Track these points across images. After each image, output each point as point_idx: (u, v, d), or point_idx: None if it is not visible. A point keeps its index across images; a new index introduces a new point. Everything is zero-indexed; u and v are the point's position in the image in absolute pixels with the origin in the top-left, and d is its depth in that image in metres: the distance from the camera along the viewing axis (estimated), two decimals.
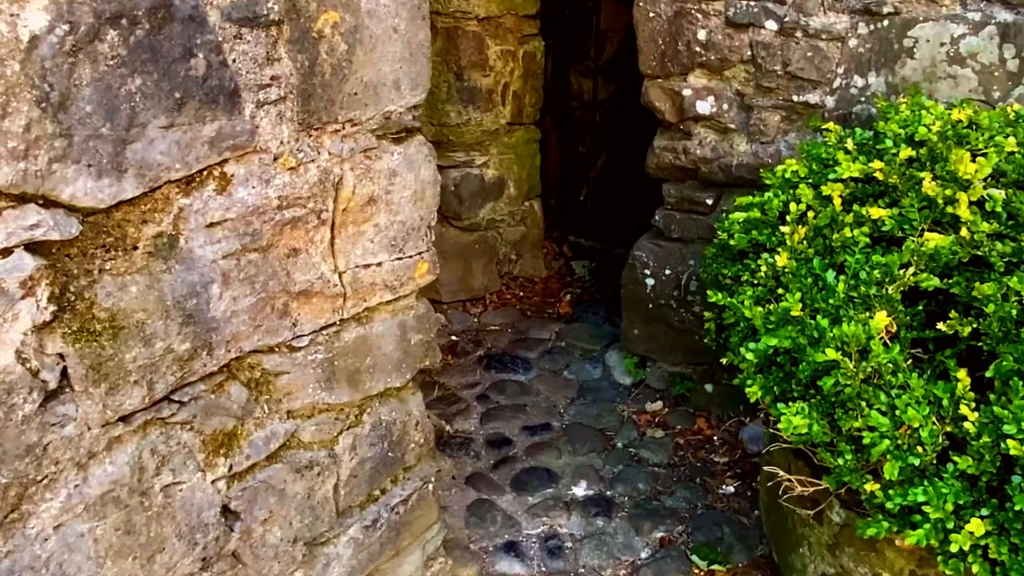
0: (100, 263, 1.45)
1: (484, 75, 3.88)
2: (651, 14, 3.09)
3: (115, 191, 1.41)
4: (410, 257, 2.07)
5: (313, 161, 1.74)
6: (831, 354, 1.74)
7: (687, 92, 3.12)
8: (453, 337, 4.07)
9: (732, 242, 2.39)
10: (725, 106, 3.07)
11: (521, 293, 4.50)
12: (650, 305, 3.46)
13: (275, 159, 1.66)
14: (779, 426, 1.78)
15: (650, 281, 3.43)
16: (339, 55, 1.73)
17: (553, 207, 4.70)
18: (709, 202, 3.23)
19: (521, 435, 3.32)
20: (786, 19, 2.85)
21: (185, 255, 1.54)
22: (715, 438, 3.27)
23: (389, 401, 2.12)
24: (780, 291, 2.16)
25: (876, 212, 2.05)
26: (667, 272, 3.39)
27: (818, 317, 1.86)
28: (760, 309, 2.11)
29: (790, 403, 1.80)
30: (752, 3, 2.89)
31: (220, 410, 1.68)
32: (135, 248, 1.48)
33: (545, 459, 3.16)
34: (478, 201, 4.11)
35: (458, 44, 3.71)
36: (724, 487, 2.98)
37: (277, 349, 1.79)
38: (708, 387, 3.43)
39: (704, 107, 3.11)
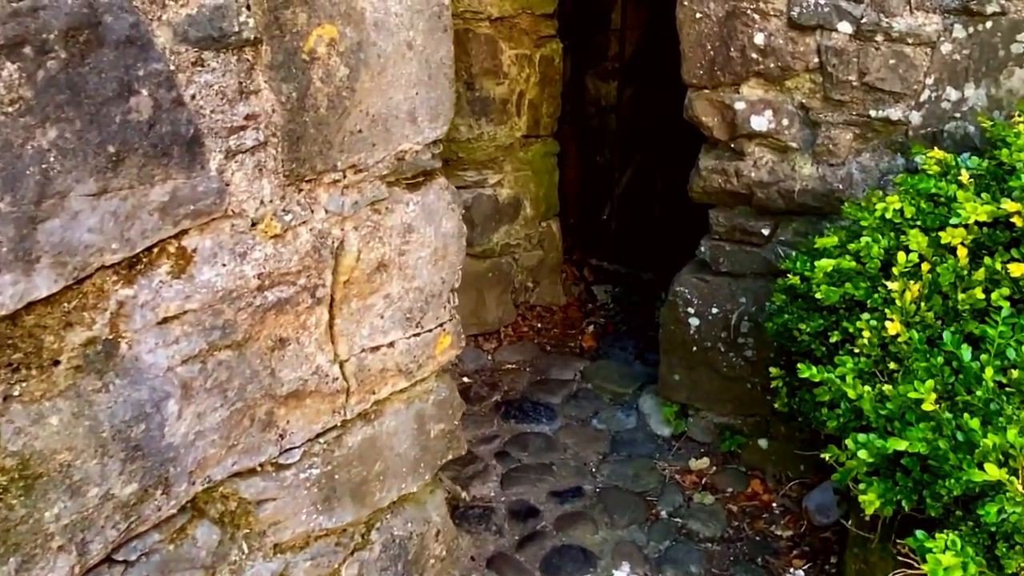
0: (5, 388, 1.03)
1: (498, 83, 3.46)
2: (698, 14, 2.67)
3: (22, 289, 1.00)
4: (429, 331, 1.66)
5: (305, 223, 1.33)
6: (992, 472, 1.34)
7: (740, 105, 2.70)
8: (465, 379, 3.66)
9: (818, 295, 1.98)
10: (785, 122, 2.66)
11: (539, 324, 4.09)
12: (694, 348, 3.05)
13: (253, 225, 1.25)
14: (924, 568, 1.37)
15: (694, 321, 3.02)
16: (338, 82, 1.32)
17: (572, 227, 4.29)
18: (765, 232, 2.82)
19: (549, 503, 2.91)
20: (863, 20, 2.44)
21: (129, 365, 1.13)
22: (774, 505, 2.86)
23: (404, 510, 1.71)
24: (892, 366, 1.75)
25: (1018, 269, 1.64)
26: (714, 311, 2.98)
27: (964, 416, 1.45)
28: (869, 390, 1.71)
29: (935, 533, 1.39)
30: (821, 1, 2.48)
31: (183, 563, 1.27)
32: (56, 363, 1.07)
33: (579, 535, 2.76)
34: (491, 225, 3.70)
35: (468, 49, 3.29)
36: (791, 570, 2.58)
37: (259, 470, 1.37)
38: (762, 443, 3.02)
39: (760, 123, 2.70)
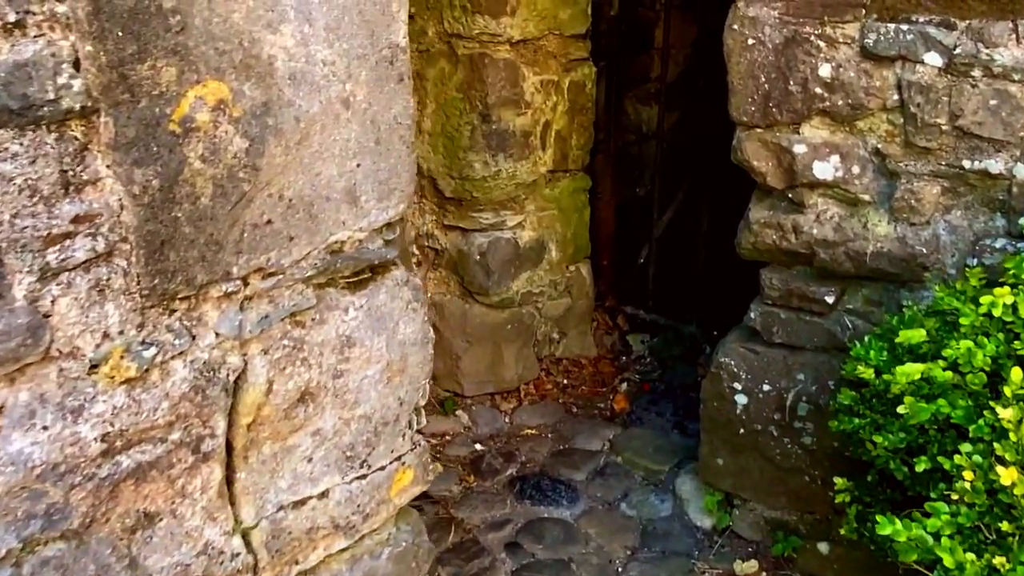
0: None
1: (518, 113, 3.09)
2: (750, 40, 2.26)
3: None
4: (381, 469, 1.28)
5: (181, 355, 0.96)
6: None
7: (800, 149, 2.28)
8: (478, 446, 3.28)
9: (901, 410, 1.55)
10: (856, 169, 2.23)
11: (565, 380, 3.69)
12: (741, 430, 2.62)
13: (93, 368, 0.89)
14: None
15: (741, 399, 2.59)
16: (231, 159, 0.96)
17: (605, 269, 3.88)
18: (829, 299, 2.38)
19: None
20: (957, 51, 2.01)
21: None
22: None
23: None
24: (1005, 527, 1.32)
25: None
26: (765, 388, 2.55)
27: None
28: (973, 559, 1.27)
29: None
30: (904, 26, 2.05)
31: None
32: None
33: None
34: (510, 271, 3.32)
35: (484, 76, 2.92)
36: None
37: None
38: (823, 547, 2.57)
39: (825, 170, 2.27)
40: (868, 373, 1.83)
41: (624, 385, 3.67)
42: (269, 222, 1.02)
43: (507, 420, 3.44)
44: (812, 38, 2.19)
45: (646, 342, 3.91)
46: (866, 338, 1.95)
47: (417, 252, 3.38)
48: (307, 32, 0.99)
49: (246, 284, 1.01)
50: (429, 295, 3.41)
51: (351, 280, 1.18)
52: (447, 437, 3.30)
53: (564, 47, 3.25)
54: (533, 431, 3.38)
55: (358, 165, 1.13)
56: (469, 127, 3.01)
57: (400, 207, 1.21)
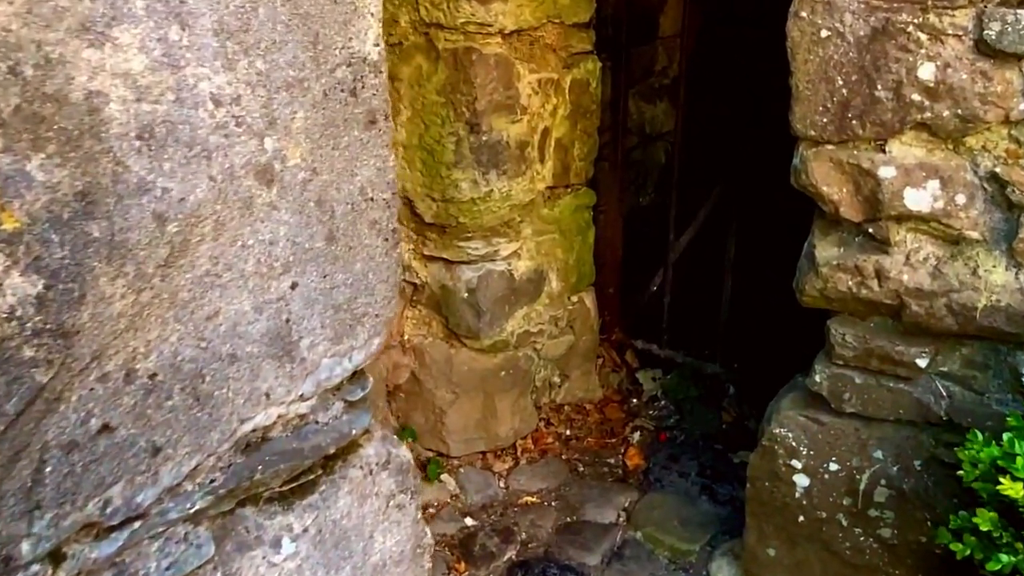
0: None
1: (513, 120, 2.57)
2: (823, 31, 1.77)
3: None
4: None
5: None
6: None
7: (887, 171, 1.80)
8: (468, 520, 2.78)
9: None
10: (962, 199, 1.76)
11: (568, 431, 3.20)
12: (800, 517, 2.15)
13: None
14: None
15: (801, 479, 2.12)
16: None
17: (611, 298, 3.38)
18: (920, 362, 1.91)
19: None
20: None
21: None
22: None
23: None
24: None
25: None
26: (832, 468, 2.08)
27: None
28: None
29: None
30: None
31: None
32: None
33: None
34: (505, 310, 2.81)
35: (472, 75, 2.41)
36: None
37: None
38: None
39: (920, 199, 1.79)
40: (1016, 491, 1.36)
41: (636, 435, 3.19)
42: (105, 429, 0.52)
43: (502, 484, 2.95)
44: (910, 29, 1.70)
45: (658, 379, 3.43)
46: (1007, 438, 1.47)
47: None
48: (176, 41, 0.51)
49: (58, 562, 0.52)
50: (407, 337, 2.89)
51: (287, 488, 0.67)
52: (431, 510, 2.79)
53: (565, 38, 2.74)
54: (534, 498, 2.89)
55: (293, 286, 0.63)
56: (453, 139, 2.50)
57: (375, 343, 0.72)
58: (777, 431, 2.14)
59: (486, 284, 2.72)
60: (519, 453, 3.06)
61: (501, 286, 2.77)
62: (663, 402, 3.34)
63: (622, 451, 3.11)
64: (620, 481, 2.96)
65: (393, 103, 2.56)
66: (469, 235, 2.66)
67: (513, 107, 2.57)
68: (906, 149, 1.79)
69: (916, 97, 1.73)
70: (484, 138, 2.51)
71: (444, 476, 2.93)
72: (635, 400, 3.37)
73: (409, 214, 2.71)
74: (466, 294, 2.71)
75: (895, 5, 1.70)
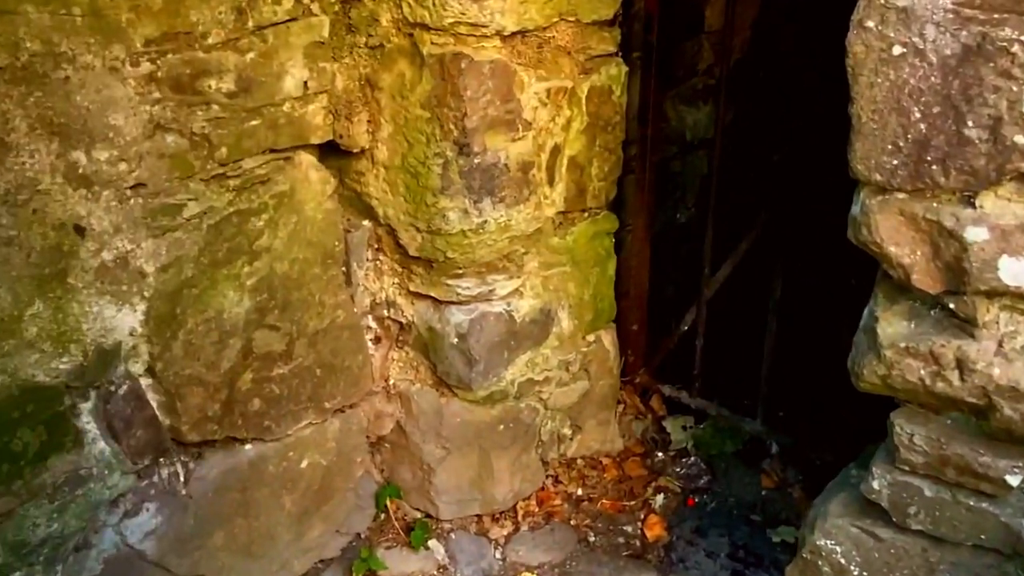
0: None
1: (513, 138, 2.20)
2: (896, 48, 1.36)
3: None
4: None
5: None
6: None
7: (977, 233, 1.39)
8: None
9: None
10: None
11: (579, 491, 2.83)
12: None
13: None
14: None
15: None
16: None
17: (634, 336, 3.00)
18: (1012, 480, 1.49)
19: None
20: None
21: None
22: None
23: None
24: None
25: None
26: None
27: None
28: None
29: None
30: None
31: None
32: None
33: None
34: (503, 356, 2.45)
35: (460, 86, 2.03)
36: None
37: None
38: None
39: (1020, 271, 1.37)
40: None
41: (660, 497, 2.80)
42: None
43: (498, 555, 2.59)
44: (1015, 49, 1.28)
45: (689, 429, 3.03)
46: None
47: (375, 324, 2.51)
48: None
49: None
50: (392, 383, 2.55)
51: None
52: None
53: (582, 39, 2.35)
54: (533, 574, 2.53)
55: None
56: (440, 161, 2.13)
57: None
58: (822, 542, 1.74)
59: (479, 328, 2.35)
60: (520, 517, 2.70)
61: (498, 330, 2.40)
62: (693, 458, 2.94)
63: (641, 517, 2.73)
64: (636, 557, 2.59)
65: (373, 116, 2.20)
66: (459, 272, 2.30)
67: (513, 122, 2.19)
68: (1003, 205, 1.38)
69: (1020, 139, 1.31)
70: (476, 160, 2.14)
71: (432, 542, 2.59)
72: (660, 454, 2.98)
73: (393, 244, 2.35)
74: (456, 339, 2.35)
75: (996, 17, 1.28)
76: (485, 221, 2.22)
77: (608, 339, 2.83)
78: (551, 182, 2.41)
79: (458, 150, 2.11)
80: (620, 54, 2.51)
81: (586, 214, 2.60)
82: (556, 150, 2.38)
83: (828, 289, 2.81)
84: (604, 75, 2.45)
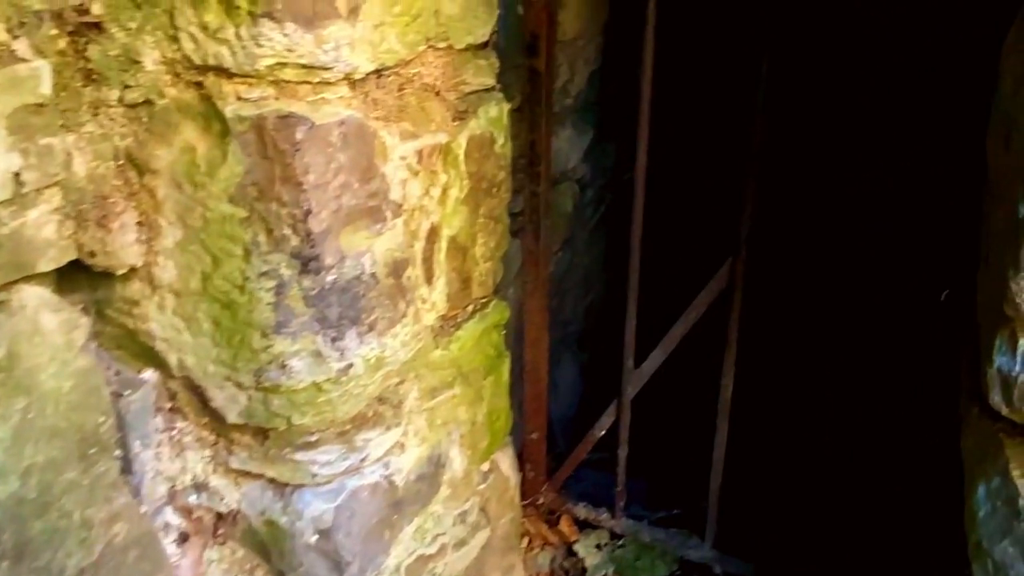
0: None
1: (379, 231, 1.47)
2: None
3: None
4: None
5: None
6: None
7: None
8: None
9: None
10: None
11: None
12: None
13: None
14: None
15: None
16: None
17: (536, 445, 2.35)
18: None
19: None
20: None
21: None
22: None
23: None
24: None
25: None
26: None
27: None
28: None
29: None
30: None
31: None
32: None
33: None
34: (382, 541, 1.72)
35: (298, 168, 1.27)
36: None
37: None
38: None
39: None
40: None
41: None
42: None
43: None
44: None
45: (602, 547, 2.45)
46: None
47: (177, 519, 1.68)
48: None
49: None
50: None
51: None
52: None
53: (455, 71, 1.66)
54: None
55: None
56: (271, 283, 1.36)
57: None
58: None
59: (349, 516, 1.60)
60: None
61: (376, 508, 1.66)
62: None
63: None
64: None
65: (146, 216, 1.38)
66: (313, 439, 1.53)
67: (378, 209, 1.46)
68: None
69: None
70: (330, 277, 1.39)
71: None
72: None
73: (198, 405, 1.54)
74: (315, 538, 1.58)
75: None
76: (350, 364, 1.47)
77: (506, 462, 2.17)
78: (430, 279, 1.70)
79: (300, 265, 1.35)
80: (499, 89, 1.85)
81: (472, 309, 1.91)
82: (433, 233, 1.68)
83: (791, 380, 2.33)
84: (484, 119, 1.77)
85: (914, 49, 2.37)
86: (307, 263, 1.34)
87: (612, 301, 3.63)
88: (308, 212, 1.30)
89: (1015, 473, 1.06)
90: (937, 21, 2.45)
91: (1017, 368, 0.97)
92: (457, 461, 1.93)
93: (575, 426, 3.44)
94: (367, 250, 1.45)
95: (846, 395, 2.41)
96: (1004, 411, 1.01)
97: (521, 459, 2.29)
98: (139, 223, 1.39)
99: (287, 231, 1.32)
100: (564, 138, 3.12)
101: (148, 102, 1.32)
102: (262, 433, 1.52)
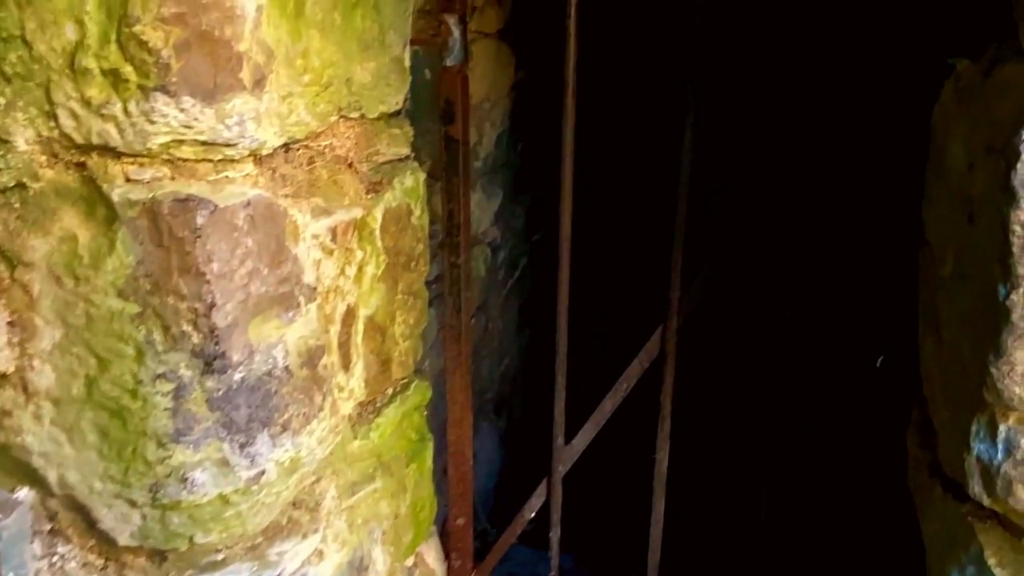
0: None
1: (291, 319, 1.33)
2: None
3: None
4: None
5: None
6: None
7: None
8: None
9: None
10: None
11: None
12: None
13: None
14: None
15: None
16: None
17: (459, 533, 2.21)
18: None
19: None
20: None
21: None
22: None
23: None
24: None
25: None
26: None
27: None
28: None
29: None
30: None
31: None
32: None
33: None
34: None
35: (199, 257, 1.13)
36: None
37: None
38: None
39: None
40: None
41: None
42: None
43: None
44: None
45: None
46: None
47: None
48: None
49: None
50: None
51: None
52: None
53: (368, 142, 1.57)
54: None
55: None
56: (169, 386, 1.20)
57: None
58: None
59: None
60: None
61: None
62: None
63: None
64: None
65: (19, 314, 1.21)
66: (220, 558, 1.36)
67: (291, 295, 1.33)
68: None
69: None
70: (237, 375, 1.24)
71: None
72: None
73: (84, 527, 1.35)
74: None
75: None
76: (261, 471, 1.32)
77: (432, 554, 2.03)
78: (347, 365, 1.57)
79: (203, 365, 1.20)
80: (414, 157, 1.76)
81: (392, 392, 1.79)
82: (350, 315, 1.55)
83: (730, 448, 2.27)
84: (399, 190, 1.67)
85: (838, 120, 2.41)
86: (211, 362, 1.19)
87: (529, 365, 3.55)
88: (212, 305, 1.16)
89: (991, 561, 1.01)
90: (862, 88, 2.49)
91: (999, 456, 0.93)
92: (380, 561, 1.78)
93: (497, 498, 3.30)
94: (279, 341, 1.31)
95: (786, 465, 2.38)
96: (986, 501, 0.96)
97: (445, 546, 2.14)
98: (10, 323, 1.21)
99: (187, 327, 1.17)
100: (474, 202, 3.05)
101: (20, 186, 1.16)
102: (159, 555, 1.33)
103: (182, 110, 1.09)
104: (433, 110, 1.95)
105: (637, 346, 1.98)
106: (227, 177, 1.18)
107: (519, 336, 3.53)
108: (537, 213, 3.42)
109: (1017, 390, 0.89)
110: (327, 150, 1.44)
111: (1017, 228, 0.81)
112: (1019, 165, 0.80)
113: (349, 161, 1.52)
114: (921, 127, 1.34)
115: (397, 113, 1.66)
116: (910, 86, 1.78)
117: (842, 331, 2.40)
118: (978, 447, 0.95)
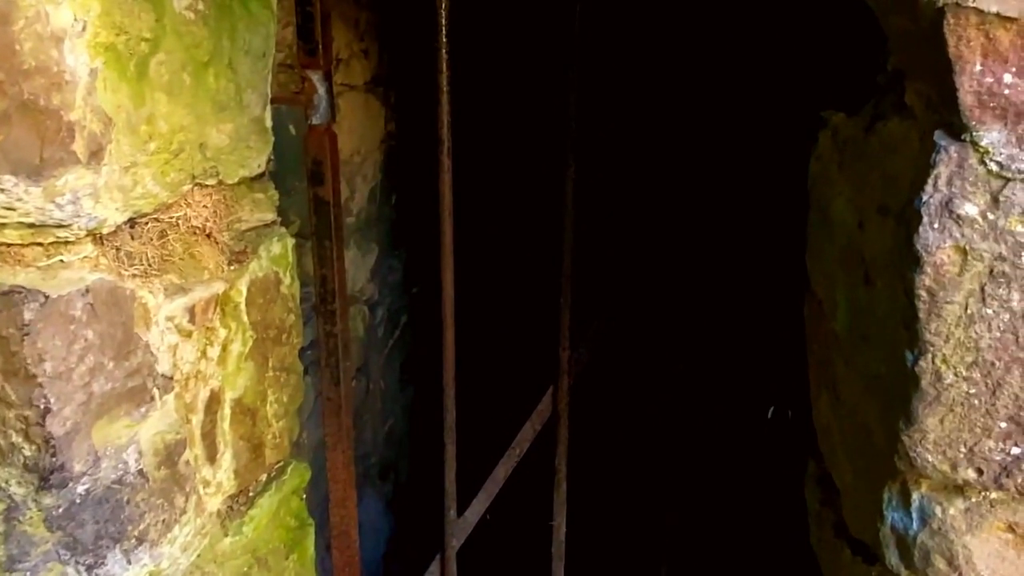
0: None
1: (144, 414, 1.18)
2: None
3: None
4: None
5: None
6: None
7: None
8: None
9: None
10: None
11: None
12: None
13: None
14: None
15: None
16: None
17: None
18: None
19: None
20: None
21: None
22: None
23: None
24: None
25: None
26: None
27: None
28: None
29: None
30: None
31: None
32: None
33: None
34: None
35: (29, 358, 0.98)
36: None
37: None
38: None
39: None
40: None
41: None
42: None
43: None
44: None
45: None
46: None
47: None
48: None
49: None
50: None
51: None
52: None
53: (228, 209, 1.45)
54: None
55: None
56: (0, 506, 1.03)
57: None
58: None
59: None
60: None
61: None
62: None
63: None
64: None
65: None
66: None
67: (142, 388, 1.18)
68: None
69: None
70: (81, 488, 1.08)
71: None
72: None
73: None
74: None
75: None
76: None
77: None
78: (213, 457, 1.42)
79: (38, 480, 1.04)
80: (281, 223, 1.64)
81: (266, 478, 1.64)
82: (214, 401, 1.41)
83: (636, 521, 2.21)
84: (266, 259, 1.56)
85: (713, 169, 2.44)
86: (47, 476, 1.03)
87: (415, 425, 3.42)
88: (46, 411, 1.00)
89: None
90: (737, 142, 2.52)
91: (915, 526, 0.90)
92: None
93: (386, 569, 3.14)
94: (130, 442, 1.16)
95: (687, 523, 2.35)
96: (904, 574, 0.93)
97: None
98: None
99: (17, 439, 1.01)
100: (348, 259, 2.92)
101: None
102: None
103: (2, 190, 0.95)
104: (300, 168, 1.83)
105: (528, 407, 1.90)
106: (61, 262, 1.04)
107: (403, 394, 3.40)
108: (415, 266, 3.32)
109: (930, 458, 0.86)
110: (181, 221, 1.31)
111: (923, 293, 0.79)
112: (921, 229, 0.78)
113: (207, 231, 1.39)
114: (799, 180, 1.34)
115: (260, 176, 1.54)
116: (786, 137, 1.80)
117: (733, 384, 2.41)
118: (891, 516, 0.92)
